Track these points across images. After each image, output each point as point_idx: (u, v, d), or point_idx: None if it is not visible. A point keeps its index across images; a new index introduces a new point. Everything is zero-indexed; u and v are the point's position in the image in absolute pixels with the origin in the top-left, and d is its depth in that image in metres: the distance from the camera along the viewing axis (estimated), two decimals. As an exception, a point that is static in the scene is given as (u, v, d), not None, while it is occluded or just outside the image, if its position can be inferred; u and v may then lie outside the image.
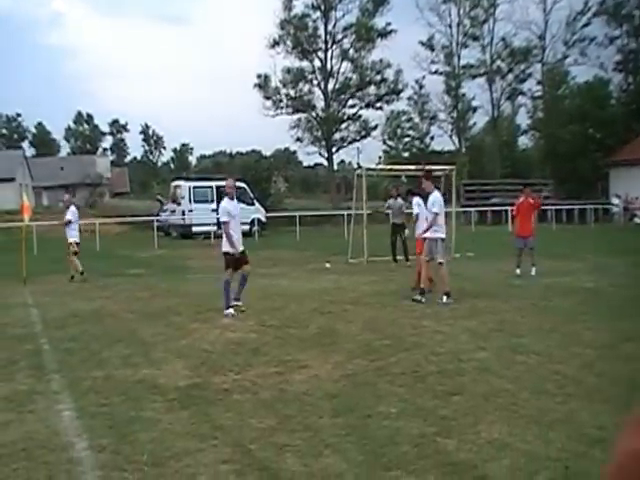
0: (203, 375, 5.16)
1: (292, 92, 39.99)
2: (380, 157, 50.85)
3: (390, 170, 21.66)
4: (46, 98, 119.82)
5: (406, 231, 12.97)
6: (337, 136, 40.85)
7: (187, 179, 27.72)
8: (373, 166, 21.83)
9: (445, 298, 8.26)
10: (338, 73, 40.46)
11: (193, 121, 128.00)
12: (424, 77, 43.35)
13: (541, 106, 41.51)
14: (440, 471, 3.22)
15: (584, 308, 7.79)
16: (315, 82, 40.47)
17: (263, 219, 25.33)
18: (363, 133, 41.96)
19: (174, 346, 6.23)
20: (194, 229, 24.02)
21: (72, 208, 12.54)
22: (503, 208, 26.13)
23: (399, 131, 49.62)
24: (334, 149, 41.27)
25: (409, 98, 44.08)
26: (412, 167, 17.65)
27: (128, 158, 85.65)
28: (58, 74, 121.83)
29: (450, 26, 40.68)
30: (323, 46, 40.00)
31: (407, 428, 3.82)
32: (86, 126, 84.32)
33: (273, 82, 39.63)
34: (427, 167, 17.72)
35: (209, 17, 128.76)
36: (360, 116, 41.21)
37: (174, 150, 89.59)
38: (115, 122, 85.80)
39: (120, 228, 26.38)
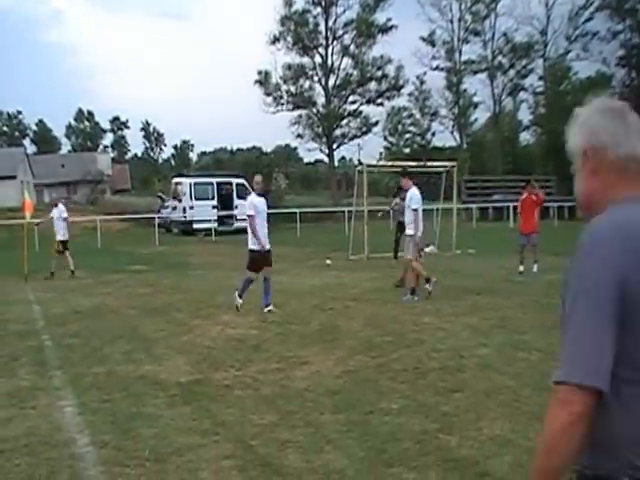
0: (204, 371, 5.17)
1: (293, 88, 39.92)
2: (381, 153, 50.85)
3: (391, 166, 21.63)
4: (47, 95, 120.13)
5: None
6: (338, 132, 40.78)
7: (188, 176, 27.72)
8: (374, 162, 21.81)
9: (409, 294, 8.34)
10: (339, 69, 40.41)
11: (194, 118, 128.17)
12: (425, 73, 43.38)
13: (543, 102, 41.37)
14: (442, 467, 3.22)
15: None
16: (316, 78, 40.41)
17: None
18: (364, 129, 41.87)
19: (175, 342, 6.24)
20: (195, 226, 24.04)
21: (61, 206, 12.54)
22: (504, 204, 26.10)
23: (400, 127, 49.59)
24: (335, 145, 41.21)
25: (410, 94, 44.10)
26: (413, 163, 17.62)
27: (129, 155, 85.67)
28: (59, 71, 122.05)
29: (451, 21, 40.63)
30: (324, 42, 39.89)
31: (408, 424, 3.82)
32: (87, 123, 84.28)
33: (274, 78, 39.59)
34: (428, 163, 17.78)
35: (209, 14, 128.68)
36: (361, 112, 41.17)
37: (175, 147, 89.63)
38: (116, 119, 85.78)
39: (121, 225, 26.40)
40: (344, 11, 39.83)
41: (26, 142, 73.22)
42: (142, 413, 4.16)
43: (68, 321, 7.45)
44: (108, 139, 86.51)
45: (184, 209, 24.48)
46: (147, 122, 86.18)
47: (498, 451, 3.41)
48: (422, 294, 8.44)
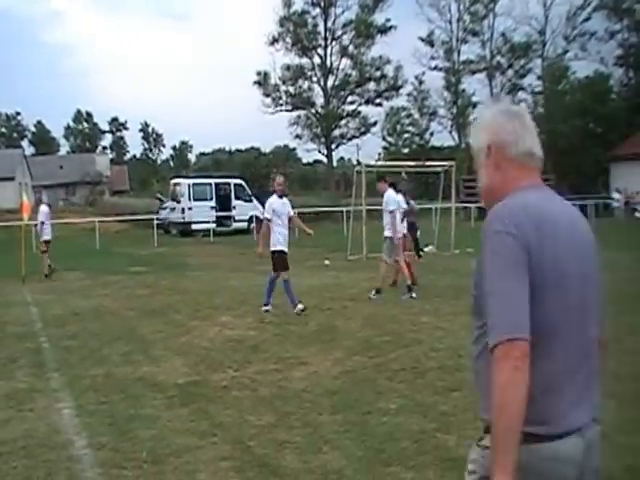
0: (202, 372, 5.16)
1: (291, 89, 39.93)
2: (380, 153, 50.81)
3: (390, 167, 21.62)
4: (45, 96, 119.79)
5: (418, 232, 12.92)
6: (336, 133, 40.78)
7: (186, 177, 27.71)
8: (373, 162, 21.80)
9: (374, 293, 8.41)
10: (338, 70, 40.40)
11: (192, 119, 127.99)
12: (424, 73, 43.25)
13: (541, 101, 41.38)
14: (440, 467, 3.22)
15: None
16: (314, 79, 40.41)
17: (261, 216, 25.30)
18: (363, 129, 41.86)
19: (174, 343, 6.23)
20: (193, 227, 24.02)
21: (43, 208, 12.54)
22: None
23: (399, 127, 49.55)
24: (333, 146, 41.22)
25: (409, 94, 44.02)
26: (412, 163, 17.62)
27: (128, 156, 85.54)
28: (57, 72, 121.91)
29: (450, 22, 40.56)
30: (323, 43, 39.90)
31: (407, 424, 3.82)
32: (85, 124, 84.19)
33: (272, 79, 39.59)
34: (427, 163, 17.79)
35: (208, 14, 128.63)
36: (359, 112, 41.17)
37: (173, 148, 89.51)
38: (114, 120, 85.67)
39: (120, 226, 26.36)
40: (343, 12, 39.89)
41: (24, 143, 73.13)
42: (140, 415, 4.16)
43: (66, 323, 7.44)
44: (107, 140, 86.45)
45: (182, 210, 24.47)
46: (146, 123, 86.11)
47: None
48: (419, 293, 8.44)
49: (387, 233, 8.62)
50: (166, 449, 3.56)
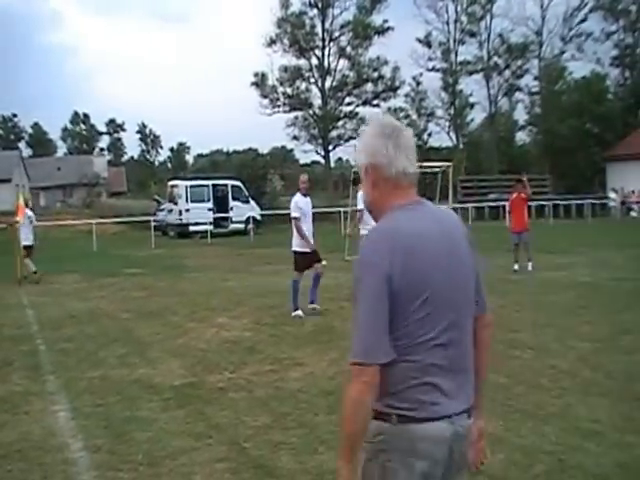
0: (199, 374, 5.16)
1: (289, 90, 39.88)
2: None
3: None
4: (42, 98, 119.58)
5: None
6: (334, 134, 40.74)
7: (184, 178, 27.69)
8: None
9: None
10: (335, 71, 40.35)
11: (190, 120, 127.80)
12: (421, 74, 43.26)
13: (538, 102, 41.47)
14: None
15: (581, 302, 7.81)
16: (312, 80, 40.36)
17: (258, 217, 25.29)
18: (360, 131, 41.83)
19: (170, 345, 6.22)
20: (191, 228, 24.00)
21: (27, 211, 12.39)
22: (501, 204, 26.13)
23: (396, 128, 49.46)
24: (331, 147, 41.18)
25: (406, 95, 43.98)
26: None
27: (125, 158, 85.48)
28: (54, 74, 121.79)
29: (447, 23, 40.63)
30: (320, 44, 39.87)
31: (402, 424, 3.82)
32: (83, 126, 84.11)
33: (270, 80, 39.50)
34: (425, 164, 17.78)
35: (206, 16, 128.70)
36: (357, 113, 41.09)
37: (171, 149, 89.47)
38: (112, 122, 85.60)
39: (117, 228, 26.31)
40: (341, 13, 39.83)
41: (21, 145, 73.06)
42: (136, 417, 4.15)
43: (62, 325, 7.42)
44: (104, 142, 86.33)
45: (180, 212, 24.45)
46: (143, 124, 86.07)
47: (491, 449, 3.39)
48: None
49: (364, 232, 8.64)
50: (162, 451, 3.56)
